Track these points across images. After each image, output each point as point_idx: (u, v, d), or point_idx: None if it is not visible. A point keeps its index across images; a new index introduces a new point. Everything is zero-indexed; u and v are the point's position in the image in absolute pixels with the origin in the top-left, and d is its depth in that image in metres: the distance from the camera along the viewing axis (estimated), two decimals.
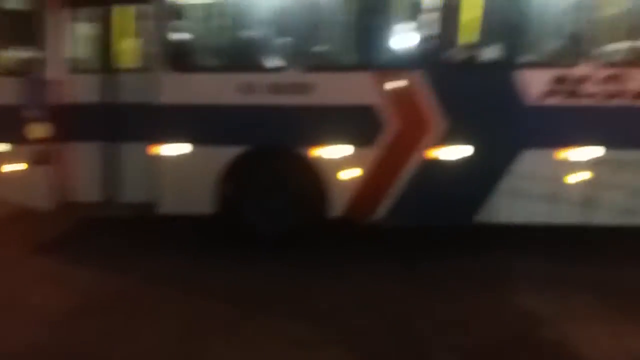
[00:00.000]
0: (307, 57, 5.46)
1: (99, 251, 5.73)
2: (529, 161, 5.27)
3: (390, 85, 5.35)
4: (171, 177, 5.68)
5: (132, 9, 5.98)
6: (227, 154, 5.57)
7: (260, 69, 5.59)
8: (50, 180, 5.86)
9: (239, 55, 5.67)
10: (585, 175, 5.24)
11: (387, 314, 4.29)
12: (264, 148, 5.59)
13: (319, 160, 5.48)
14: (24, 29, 5.91)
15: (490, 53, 5.41)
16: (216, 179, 5.60)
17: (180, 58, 5.64)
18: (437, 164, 5.39)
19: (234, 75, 5.54)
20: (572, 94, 5.18)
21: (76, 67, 5.90)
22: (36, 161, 5.84)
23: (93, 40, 5.96)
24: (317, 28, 5.56)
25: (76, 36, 5.98)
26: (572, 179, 5.25)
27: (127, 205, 5.92)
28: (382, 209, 5.52)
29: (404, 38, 5.52)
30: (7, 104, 5.79)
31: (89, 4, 5.87)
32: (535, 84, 5.20)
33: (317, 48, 5.59)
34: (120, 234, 6.18)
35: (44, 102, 5.74)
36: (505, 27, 5.30)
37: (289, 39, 5.51)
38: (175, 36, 5.66)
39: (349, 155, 5.45)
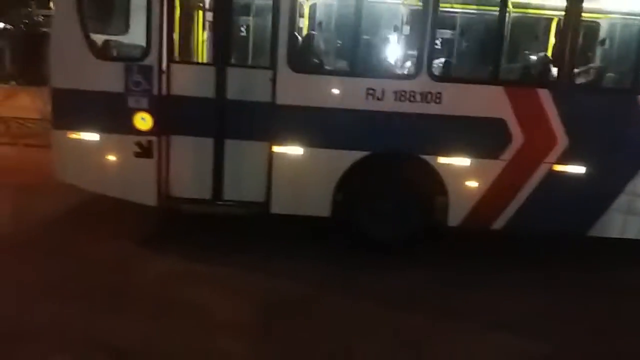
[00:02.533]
0: (440, 67, 5.37)
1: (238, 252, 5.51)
2: None
3: (519, 101, 5.36)
4: (288, 177, 5.50)
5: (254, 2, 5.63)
6: (347, 157, 5.45)
7: (387, 75, 5.45)
8: (154, 174, 5.54)
9: (368, 60, 5.51)
10: None
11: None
12: (387, 154, 5.50)
13: (444, 168, 5.46)
14: (133, 12, 5.50)
15: (612, 78, 5.52)
16: (336, 182, 5.48)
17: (304, 59, 5.41)
18: (557, 178, 5.49)
19: (362, 79, 5.38)
20: None
21: (188, 57, 5.55)
22: (140, 153, 5.50)
23: (208, 30, 5.61)
24: (452, 41, 5.47)
25: (189, 24, 5.60)
26: None
27: (238, 203, 5.68)
28: (502, 219, 5.59)
29: (534, 57, 5.54)
30: (111, 91, 5.38)
31: None
32: None
33: (452, 59, 5.50)
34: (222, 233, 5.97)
35: (150, 91, 5.38)
36: (627, 54, 5.40)
37: (423, 48, 5.38)
38: (302, 36, 5.41)
39: (473, 165, 5.46)
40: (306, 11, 5.51)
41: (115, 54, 5.48)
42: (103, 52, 5.46)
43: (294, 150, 5.47)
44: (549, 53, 5.42)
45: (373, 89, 5.32)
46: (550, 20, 5.81)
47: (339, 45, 5.75)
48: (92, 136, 5.48)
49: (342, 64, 5.68)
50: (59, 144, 5.58)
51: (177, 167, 5.60)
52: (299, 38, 5.42)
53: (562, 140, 5.39)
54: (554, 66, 5.50)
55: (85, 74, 5.39)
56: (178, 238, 5.75)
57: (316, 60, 5.63)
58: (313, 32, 5.59)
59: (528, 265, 5.55)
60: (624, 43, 5.61)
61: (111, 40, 5.59)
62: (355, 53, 5.49)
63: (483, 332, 4.12)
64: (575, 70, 5.51)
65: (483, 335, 4.07)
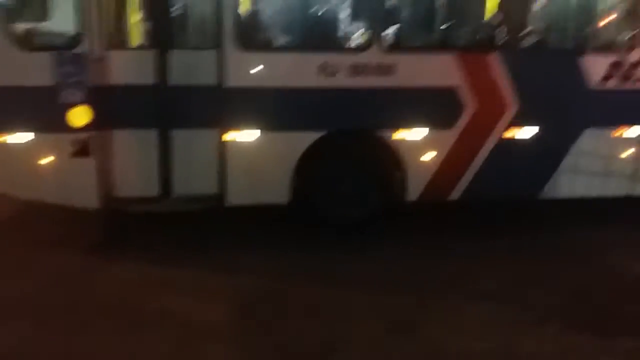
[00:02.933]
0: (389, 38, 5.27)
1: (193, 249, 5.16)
2: (588, 140, 5.69)
3: (469, 68, 5.38)
4: (242, 166, 5.22)
5: None
6: (303, 139, 5.24)
7: (341, 49, 5.27)
8: (94, 174, 5.04)
9: (319, 34, 5.29)
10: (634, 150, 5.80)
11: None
12: (344, 132, 5.35)
13: (399, 142, 5.39)
14: None
15: (559, 39, 5.68)
16: (293, 166, 5.27)
17: (252, 36, 5.10)
18: (509, 143, 5.59)
19: (314, 55, 5.16)
20: (627, 77, 5.64)
21: (122, 42, 5.06)
22: (76, 153, 4.98)
23: (141, 10, 5.12)
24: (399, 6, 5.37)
25: (120, 5, 5.09)
26: (625, 154, 5.80)
27: (189, 198, 5.32)
28: (459, 189, 5.64)
29: (481, 21, 5.56)
30: (40, 85, 4.80)
31: None
32: (596, 69, 5.56)
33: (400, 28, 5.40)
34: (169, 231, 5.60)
35: (83, 83, 4.86)
36: (571, 15, 5.57)
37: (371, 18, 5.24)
38: (247, 11, 5.09)
39: (428, 137, 5.44)
40: None
41: (40, 43, 4.86)
42: (25, 42, 4.83)
43: (248, 135, 5.19)
44: (495, 17, 5.44)
45: (325, 64, 5.12)
46: None
47: (287, 19, 5.47)
48: (19, 137, 4.89)
49: (292, 39, 5.41)
50: None
51: (119, 164, 5.14)
52: (245, 13, 5.09)
53: (512, 105, 5.48)
54: (501, 30, 5.54)
55: (5, 68, 4.77)
56: (128, 242, 5.32)
57: (265, 37, 5.33)
58: (258, 7, 5.27)
59: (488, 235, 5.62)
60: (565, 3, 5.76)
61: (33, 27, 4.96)
62: (304, 27, 5.26)
63: (470, 304, 4.11)
64: (521, 34, 5.59)
65: (471, 307, 4.06)
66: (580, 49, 5.60)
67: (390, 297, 4.27)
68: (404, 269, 4.80)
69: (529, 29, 5.66)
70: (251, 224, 5.73)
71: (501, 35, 5.46)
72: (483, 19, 5.58)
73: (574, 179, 5.76)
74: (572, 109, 5.64)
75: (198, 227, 5.65)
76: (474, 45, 5.60)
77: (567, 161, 5.70)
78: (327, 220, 5.52)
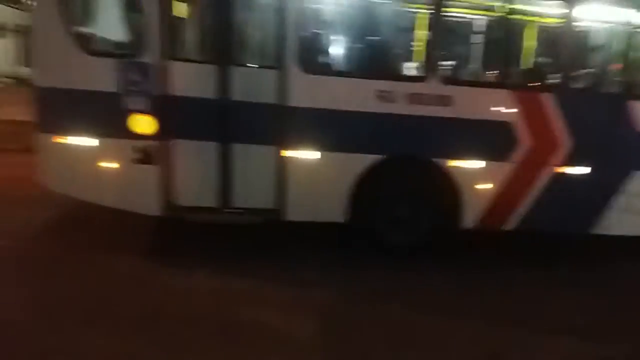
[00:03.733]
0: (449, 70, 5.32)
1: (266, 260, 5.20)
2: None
3: (525, 105, 5.41)
4: (301, 183, 5.22)
5: None
6: (362, 161, 5.25)
7: (399, 77, 5.32)
8: (156, 182, 5.04)
9: (379, 62, 5.32)
10: None
11: None
12: (402, 157, 5.35)
13: (457, 171, 5.40)
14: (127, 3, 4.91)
15: (611, 82, 5.72)
16: (351, 186, 5.27)
17: (315, 59, 5.14)
18: (561, 179, 5.59)
19: (370, 82, 5.18)
20: None
21: (187, 54, 5.08)
22: (140, 159, 4.98)
23: (211, 25, 5.14)
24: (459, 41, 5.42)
25: (188, 18, 5.11)
26: None
27: (247, 211, 5.31)
28: (513, 220, 5.63)
29: (538, 61, 5.62)
30: (104, 90, 4.82)
31: None
32: None
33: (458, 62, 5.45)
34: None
35: (147, 91, 4.86)
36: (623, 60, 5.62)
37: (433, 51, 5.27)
38: (311, 35, 5.12)
39: (485, 168, 5.45)
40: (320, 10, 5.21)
41: (106, 48, 4.88)
42: (92, 47, 4.84)
43: (307, 154, 5.19)
44: (552, 58, 5.50)
45: (385, 91, 5.15)
46: (549, 27, 5.90)
47: (351, 46, 5.51)
48: (83, 140, 4.89)
49: (353, 65, 5.44)
50: (45, 149, 4.93)
51: (180, 173, 5.13)
52: (310, 38, 5.12)
53: (564, 143, 5.50)
54: (555, 71, 5.60)
55: (72, 72, 4.79)
56: (189, 250, 5.34)
57: (327, 61, 5.37)
58: (323, 32, 5.31)
59: (547, 264, 5.68)
60: (618, 49, 5.80)
61: (101, 33, 4.98)
62: (366, 54, 5.29)
63: (550, 337, 4.09)
64: (574, 75, 5.63)
65: (552, 341, 4.03)
66: (632, 93, 5.61)
67: (465, 322, 4.25)
68: (469, 294, 4.81)
69: (583, 71, 5.69)
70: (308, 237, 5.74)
71: (556, 75, 5.51)
72: (539, 59, 5.61)
73: (624, 218, 5.76)
74: (623, 151, 5.66)
75: (256, 239, 5.67)
76: (529, 83, 5.63)
77: (618, 201, 5.70)
78: (382, 242, 5.51)
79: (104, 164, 4.96)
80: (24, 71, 18.85)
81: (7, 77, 18.20)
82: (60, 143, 4.87)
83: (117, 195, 5.05)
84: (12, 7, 16.67)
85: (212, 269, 4.85)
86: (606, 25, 5.88)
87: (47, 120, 4.85)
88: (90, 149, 4.90)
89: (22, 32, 18.23)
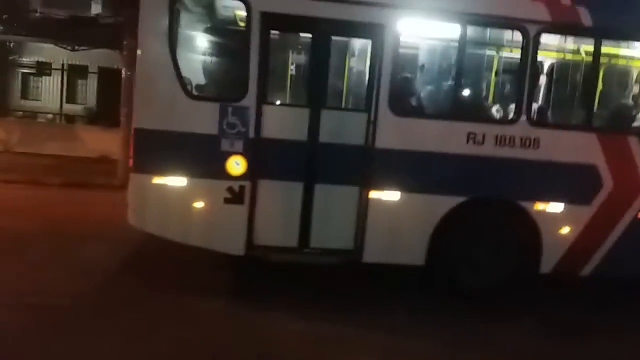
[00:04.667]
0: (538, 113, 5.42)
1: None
2: None
3: (609, 148, 5.48)
4: (382, 225, 5.30)
5: (350, 42, 5.45)
6: (445, 203, 5.33)
7: (488, 119, 5.43)
8: (244, 222, 5.17)
9: (466, 105, 5.47)
10: None
11: None
12: (485, 200, 5.43)
13: (539, 214, 5.44)
14: (229, 48, 5.17)
15: None
16: (432, 228, 5.34)
17: (405, 102, 5.30)
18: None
19: (460, 124, 5.32)
20: None
21: (279, 98, 5.29)
22: (230, 199, 5.13)
23: (300, 70, 5.37)
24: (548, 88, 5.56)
25: (282, 64, 5.35)
26: None
27: (328, 251, 5.40)
28: (591, 265, 5.63)
29: (623, 104, 5.71)
30: (204, 133, 5.03)
31: (303, 29, 5.26)
32: None
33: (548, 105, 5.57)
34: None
35: (244, 134, 5.05)
36: None
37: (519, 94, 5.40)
38: (401, 78, 5.30)
39: (566, 212, 5.49)
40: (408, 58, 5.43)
41: (209, 94, 5.11)
42: (196, 92, 5.07)
43: (392, 195, 5.29)
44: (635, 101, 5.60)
45: (474, 134, 5.27)
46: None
47: (439, 90, 5.67)
48: (179, 181, 5.07)
49: (443, 108, 5.59)
50: (139, 189, 5.13)
51: (265, 213, 5.26)
52: (401, 82, 5.30)
53: None
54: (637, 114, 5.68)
55: (175, 114, 5.01)
56: (272, 293, 5.39)
57: (416, 104, 5.53)
58: (411, 76, 5.49)
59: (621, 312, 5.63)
60: None
61: (205, 79, 5.22)
62: (455, 97, 5.44)
63: None
64: None
65: None
66: None
67: None
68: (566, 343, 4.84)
69: None
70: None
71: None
72: (624, 102, 5.70)
73: None
74: None
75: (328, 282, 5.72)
76: (614, 126, 5.71)
77: None
78: (459, 286, 5.52)
79: (196, 204, 5.10)
80: (68, 108, 19.53)
81: (53, 114, 18.82)
82: (156, 183, 5.05)
83: (205, 235, 5.18)
84: (61, 47, 17.34)
85: (299, 314, 4.89)
86: None
87: (145, 161, 5.04)
88: (185, 189, 5.06)
89: (67, 71, 18.99)
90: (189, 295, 5.10)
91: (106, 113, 18.09)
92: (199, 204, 5.12)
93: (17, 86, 20.62)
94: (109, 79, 19.68)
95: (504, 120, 5.46)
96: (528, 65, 5.29)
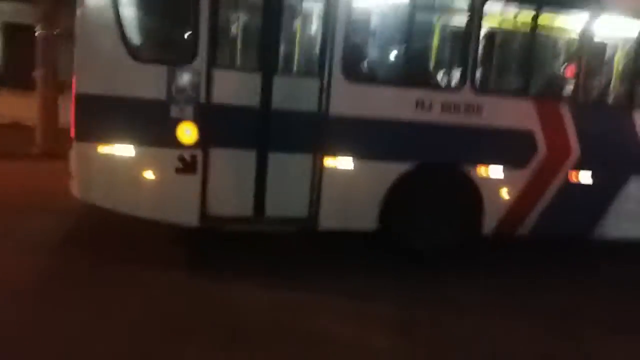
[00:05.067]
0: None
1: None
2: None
3: (542, 114, 5.81)
4: (336, 192, 5.36)
5: (303, 4, 5.32)
6: (395, 169, 5.47)
7: (436, 87, 5.57)
8: (197, 192, 5.02)
9: (417, 71, 5.55)
10: None
11: None
12: (431, 165, 5.61)
13: (481, 178, 5.72)
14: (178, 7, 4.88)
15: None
16: (384, 194, 5.47)
17: (358, 68, 5.30)
18: (570, 186, 6.05)
19: (410, 91, 5.42)
20: None
21: (230, 63, 5.10)
22: (182, 169, 4.95)
23: (253, 33, 5.19)
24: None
25: (233, 25, 5.14)
26: None
27: (282, 220, 5.38)
28: (527, 226, 6.02)
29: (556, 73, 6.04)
30: (151, 98, 4.78)
31: None
32: None
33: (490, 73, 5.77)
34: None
35: (195, 99, 4.86)
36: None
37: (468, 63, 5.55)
38: (354, 45, 5.28)
39: (507, 176, 5.81)
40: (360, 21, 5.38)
41: (156, 56, 4.83)
42: (141, 54, 4.77)
43: (345, 162, 5.34)
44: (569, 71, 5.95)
45: (422, 100, 5.40)
46: (570, 40, 6.34)
47: (391, 56, 5.70)
48: (126, 150, 4.81)
49: (393, 75, 5.64)
50: (83, 159, 4.81)
51: (218, 182, 5.13)
52: (354, 47, 5.28)
53: (575, 151, 5.95)
54: (569, 83, 6.04)
55: (120, 78, 4.72)
56: (225, 262, 5.32)
57: (368, 70, 5.53)
58: (364, 41, 5.48)
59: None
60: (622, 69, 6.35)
61: (151, 40, 4.92)
62: (406, 64, 5.51)
63: None
64: (587, 87, 6.10)
65: None
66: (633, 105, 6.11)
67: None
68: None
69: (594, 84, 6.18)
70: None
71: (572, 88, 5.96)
72: (559, 72, 6.03)
73: (621, 223, 6.28)
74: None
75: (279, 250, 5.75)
76: (549, 94, 6.04)
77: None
78: (409, 249, 5.73)
79: (146, 174, 4.88)
80: None
81: None
82: (102, 153, 4.76)
83: (157, 207, 4.99)
84: None
85: (259, 282, 4.87)
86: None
87: (89, 128, 4.73)
88: (133, 158, 4.82)
89: None
90: (144, 269, 4.91)
91: (15, 75, 16.70)
92: (149, 174, 4.90)
93: None
94: (16, 37, 18.09)
95: (448, 88, 5.61)
96: (472, 34, 5.44)
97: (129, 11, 4.68)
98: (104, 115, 4.73)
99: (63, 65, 10.88)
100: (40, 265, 4.81)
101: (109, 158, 4.78)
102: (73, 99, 4.70)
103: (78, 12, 4.65)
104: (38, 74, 10.87)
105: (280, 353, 3.75)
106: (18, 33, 17.85)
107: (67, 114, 10.35)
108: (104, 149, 4.76)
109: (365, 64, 5.56)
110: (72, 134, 4.79)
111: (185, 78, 4.77)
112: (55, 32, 10.66)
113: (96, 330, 3.78)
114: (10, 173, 8.69)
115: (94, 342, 3.61)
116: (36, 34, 10.94)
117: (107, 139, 4.76)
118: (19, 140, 11.11)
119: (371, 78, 5.56)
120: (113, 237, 5.71)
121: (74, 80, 4.70)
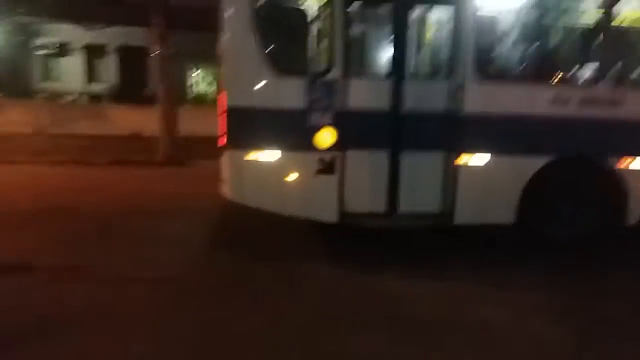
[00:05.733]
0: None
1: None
2: None
3: None
4: (472, 187, 5.37)
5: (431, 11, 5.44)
6: (535, 163, 5.39)
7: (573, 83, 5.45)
8: (335, 191, 5.25)
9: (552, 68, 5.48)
10: None
11: None
12: (572, 158, 5.48)
13: (624, 170, 5.50)
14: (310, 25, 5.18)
15: None
16: (522, 187, 5.40)
17: (490, 67, 5.33)
18: None
19: (547, 87, 5.34)
20: None
21: (366, 71, 5.32)
22: (322, 170, 5.19)
23: (383, 42, 5.37)
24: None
25: (365, 36, 5.36)
26: None
27: (417, 215, 5.49)
28: None
29: None
30: (293, 108, 5.09)
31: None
32: None
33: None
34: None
35: (332, 107, 5.09)
36: None
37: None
38: (486, 46, 5.30)
39: None
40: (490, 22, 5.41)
41: (295, 70, 5.13)
42: (282, 69, 5.08)
43: (480, 159, 5.35)
44: None
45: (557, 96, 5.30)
46: None
47: (523, 54, 5.65)
48: (272, 155, 5.13)
49: (526, 72, 5.60)
50: (235, 164, 5.20)
51: (355, 182, 5.33)
52: (486, 48, 5.31)
53: None
54: None
55: (264, 92, 5.08)
56: (368, 256, 5.50)
57: (501, 69, 5.54)
58: (496, 41, 5.49)
59: None
60: None
61: (290, 56, 5.25)
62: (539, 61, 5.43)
63: None
64: None
65: None
66: None
67: None
68: None
69: None
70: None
71: None
72: None
73: None
74: None
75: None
76: None
77: None
78: (549, 240, 5.62)
79: (290, 176, 5.18)
80: (92, 88, 19.55)
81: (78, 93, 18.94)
82: (251, 159, 5.11)
83: (300, 205, 5.28)
84: (79, 26, 17.21)
85: (409, 274, 4.97)
86: None
87: (239, 137, 5.09)
88: (279, 162, 5.13)
89: (87, 50, 18.98)
90: (292, 264, 5.21)
91: (129, 91, 18.20)
92: (292, 176, 5.20)
93: (37, 68, 20.55)
94: (129, 57, 19.72)
95: (585, 83, 5.48)
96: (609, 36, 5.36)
97: (267, 32, 5.01)
98: (252, 125, 5.10)
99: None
100: (201, 262, 5.24)
101: (257, 163, 5.13)
102: (223, 112, 5.09)
103: (223, 35, 5.06)
104: (160, 89, 11.73)
105: (454, 345, 3.77)
106: (129, 54, 19.46)
107: (186, 125, 11.20)
108: (252, 155, 5.11)
109: (497, 63, 5.54)
110: (223, 142, 5.18)
111: (323, 88, 5.03)
112: (170, 52, 11.48)
113: (267, 328, 3.89)
114: (140, 178, 9.47)
115: (267, 340, 3.70)
116: (152, 54, 11.82)
117: (256, 145, 5.10)
118: (141, 149, 12.07)
119: (504, 76, 5.55)
120: (258, 236, 6.09)
121: (222, 96, 5.09)
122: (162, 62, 11.58)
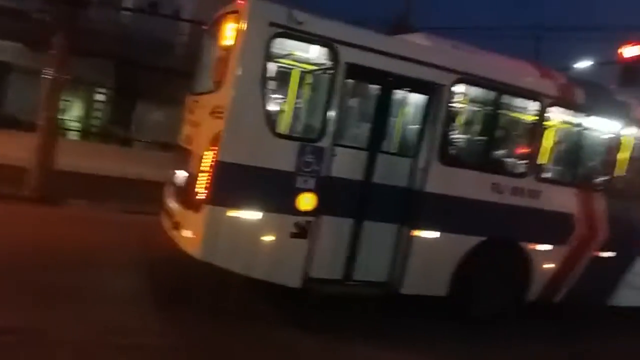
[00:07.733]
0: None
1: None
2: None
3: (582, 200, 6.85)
4: (422, 259, 5.93)
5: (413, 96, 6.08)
6: (469, 241, 6.17)
7: (508, 173, 6.49)
8: (304, 255, 5.42)
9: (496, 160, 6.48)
10: None
11: None
12: (498, 239, 6.37)
13: (534, 252, 6.56)
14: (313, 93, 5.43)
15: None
16: (457, 263, 6.13)
17: (452, 153, 6.13)
18: (596, 260, 7.05)
19: (489, 175, 6.26)
20: None
21: (346, 141, 5.70)
22: (296, 234, 5.35)
23: (367, 116, 5.84)
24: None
25: (349, 110, 5.76)
26: None
27: (366, 283, 5.87)
28: (562, 293, 6.89)
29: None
30: (282, 170, 5.25)
31: (377, 81, 5.79)
32: None
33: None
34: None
35: (318, 173, 5.36)
36: None
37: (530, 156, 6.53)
38: (449, 135, 6.07)
39: (551, 250, 6.70)
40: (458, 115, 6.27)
41: (292, 132, 5.30)
42: (281, 130, 5.22)
43: (431, 234, 5.97)
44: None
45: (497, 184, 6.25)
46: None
47: (478, 146, 6.52)
48: (254, 215, 5.15)
49: (478, 162, 6.44)
50: (213, 221, 5.06)
51: (323, 247, 5.56)
52: (451, 137, 6.09)
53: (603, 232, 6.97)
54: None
55: (259, 151, 5.16)
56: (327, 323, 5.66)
57: (460, 157, 6.35)
58: (458, 131, 6.31)
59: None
60: None
61: (291, 118, 5.41)
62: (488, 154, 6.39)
63: None
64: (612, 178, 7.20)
65: None
66: None
67: None
68: None
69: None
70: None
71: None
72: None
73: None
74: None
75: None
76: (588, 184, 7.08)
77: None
78: (472, 314, 6.37)
79: (266, 238, 5.22)
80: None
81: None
82: (231, 216, 5.06)
83: (268, 268, 5.33)
84: None
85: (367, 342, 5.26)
86: None
87: (224, 193, 5.04)
88: (258, 223, 5.16)
89: None
90: (262, 328, 5.20)
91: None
92: (268, 238, 5.25)
93: None
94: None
95: (517, 175, 6.52)
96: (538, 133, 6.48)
97: (272, 93, 5.17)
98: (241, 182, 5.09)
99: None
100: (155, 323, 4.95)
101: (237, 221, 5.09)
102: (209, 166, 4.99)
103: (232, 91, 5.06)
104: (42, 116, 10.59)
105: None
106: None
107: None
108: (233, 213, 5.07)
109: (456, 150, 6.34)
110: (202, 197, 5.04)
111: (313, 153, 5.27)
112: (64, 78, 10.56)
113: None
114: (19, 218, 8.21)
115: None
116: (44, 77, 10.72)
117: (239, 204, 5.08)
118: (7, 180, 10.47)
119: (460, 163, 6.29)
120: (208, 294, 5.84)
121: (214, 149, 5.00)
122: (53, 87, 10.55)
